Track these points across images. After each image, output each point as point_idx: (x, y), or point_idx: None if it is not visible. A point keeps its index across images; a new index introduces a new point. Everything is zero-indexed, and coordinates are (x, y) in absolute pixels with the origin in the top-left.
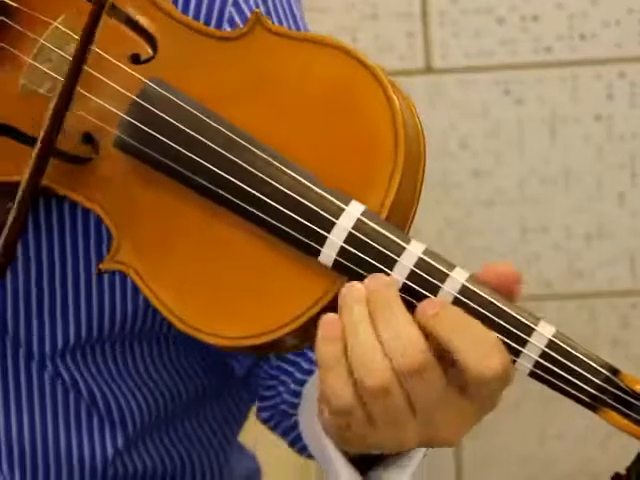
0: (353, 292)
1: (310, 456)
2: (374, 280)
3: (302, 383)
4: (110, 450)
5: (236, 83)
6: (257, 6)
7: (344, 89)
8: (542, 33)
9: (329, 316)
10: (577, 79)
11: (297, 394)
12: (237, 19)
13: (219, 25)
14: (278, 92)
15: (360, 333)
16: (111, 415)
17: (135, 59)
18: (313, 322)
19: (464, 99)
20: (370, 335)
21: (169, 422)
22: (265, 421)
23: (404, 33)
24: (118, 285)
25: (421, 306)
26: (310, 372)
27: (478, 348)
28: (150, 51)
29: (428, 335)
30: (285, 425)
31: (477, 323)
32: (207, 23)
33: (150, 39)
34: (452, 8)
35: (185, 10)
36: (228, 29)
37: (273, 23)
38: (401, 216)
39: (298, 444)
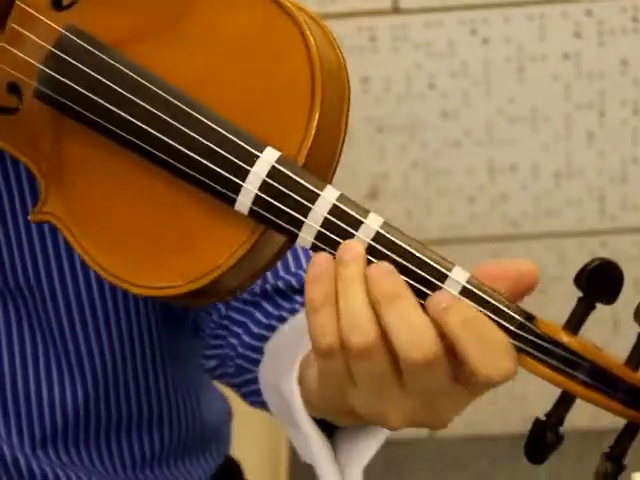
0: (353, 250)
1: (265, 409)
2: (377, 269)
3: (259, 338)
4: (80, 395)
5: (153, 24)
6: None
7: (258, 29)
8: None
9: (319, 256)
10: (544, 17)
11: (255, 348)
12: None
13: None
14: (193, 33)
15: (352, 291)
16: (80, 362)
17: (57, 4)
18: (233, 271)
19: (431, 39)
20: (362, 296)
21: (138, 370)
22: (210, 370)
23: None
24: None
25: (432, 298)
26: (268, 327)
27: (487, 348)
28: None
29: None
30: (241, 379)
31: (488, 322)
32: None
33: None
34: None
35: None
36: None
37: None
38: (322, 160)
39: (251, 398)
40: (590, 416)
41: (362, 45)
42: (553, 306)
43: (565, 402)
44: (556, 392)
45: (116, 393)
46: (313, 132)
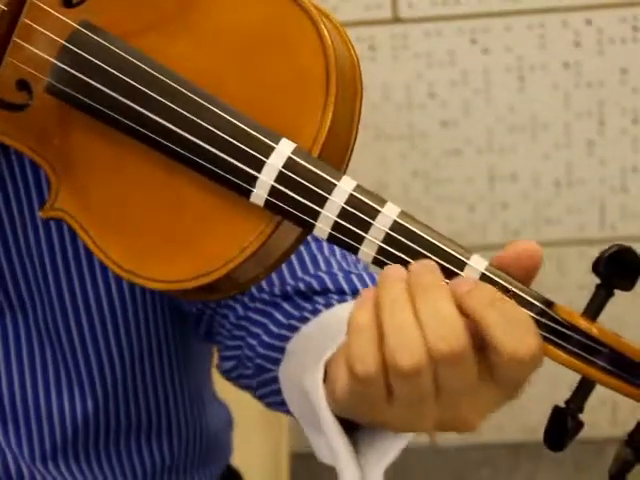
0: (395, 271)
1: (283, 410)
2: (418, 264)
3: (280, 337)
4: (90, 405)
5: (163, 16)
6: None
7: (271, 23)
8: None
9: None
10: (544, 27)
11: (275, 348)
12: None
13: None
14: (205, 25)
15: (398, 308)
16: (90, 372)
17: (67, 1)
18: (249, 263)
19: (431, 49)
20: (409, 312)
21: (148, 379)
22: (227, 371)
23: None
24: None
25: (453, 283)
26: (289, 327)
27: (513, 326)
28: None
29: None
30: (260, 378)
31: (512, 302)
32: None
33: None
34: None
35: None
36: None
37: None
38: (336, 152)
39: (269, 398)
40: (588, 426)
41: (362, 54)
42: None
43: (584, 389)
44: (556, 399)
45: (125, 402)
46: (328, 123)
